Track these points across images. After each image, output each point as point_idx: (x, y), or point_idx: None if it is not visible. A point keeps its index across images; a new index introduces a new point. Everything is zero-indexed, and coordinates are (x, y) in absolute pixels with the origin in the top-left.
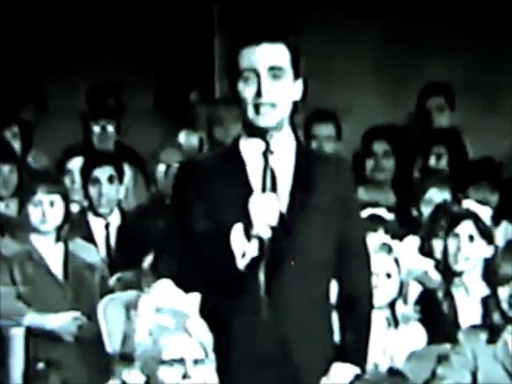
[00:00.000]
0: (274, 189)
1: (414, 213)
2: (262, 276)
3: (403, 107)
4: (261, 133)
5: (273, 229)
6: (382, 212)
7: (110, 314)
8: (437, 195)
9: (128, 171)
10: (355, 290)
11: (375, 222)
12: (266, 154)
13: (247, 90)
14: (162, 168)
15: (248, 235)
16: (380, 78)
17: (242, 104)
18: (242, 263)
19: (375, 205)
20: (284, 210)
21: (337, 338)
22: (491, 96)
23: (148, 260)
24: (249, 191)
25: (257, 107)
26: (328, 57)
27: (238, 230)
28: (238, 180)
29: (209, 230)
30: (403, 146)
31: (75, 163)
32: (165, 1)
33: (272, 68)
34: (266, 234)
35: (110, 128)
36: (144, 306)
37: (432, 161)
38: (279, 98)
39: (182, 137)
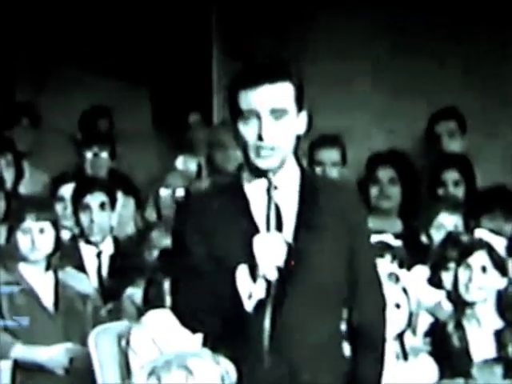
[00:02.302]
0: (279, 224)
1: (424, 239)
2: (267, 318)
3: (407, 131)
4: (263, 173)
5: (279, 269)
6: (388, 238)
7: (101, 345)
8: (448, 219)
9: (121, 198)
10: (366, 320)
11: (382, 248)
12: (270, 190)
13: (248, 131)
14: (164, 193)
15: (254, 276)
16: (382, 101)
17: (242, 143)
18: (248, 305)
19: (381, 232)
20: (290, 241)
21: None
22: (502, 120)
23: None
24: (254, 228)
25: (258, 149)
26: (328, 78)
27: (243, 270)
28: (242, 217)
29: (213, 269)
30: (410, 172)
31: (67, 190)
32: (160, 16)
33: (274, 110)
34: (273, 275)
35: (104, 154)
36: (138, 339)
37: (445, 188)
38: (281, 140)
39: (180, 162)
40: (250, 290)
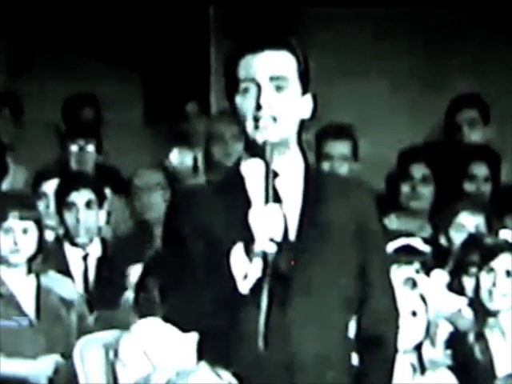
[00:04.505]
0: (277, 199)
1: (443, 241)
2: (264, 299)
3: (424, 122)
4: (262, 151)
5: (278, 245)
6: (417, 243)
7: (88, 356)
8: (469, 220)
9: (110, 196)
10: (376, 329)
11: (410, 253)
12: (268, 165)
13: (246, 103)
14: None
15: (249, 254)
16: (398, 92)
17: (240, 120)
18: (244, 286)
19: (410, 235)
20: (292, 240)
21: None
22: None
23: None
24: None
25: (256, 121)
26: (342, 69)
27: (238, 249)
28: (239, 208)
29: (209, 262)
30: (444, 169)
31: (50, 186)
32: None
33: (274, 78)
34: (271, 248)
35: (90, 148)
36: (127, 350)
37: (473, 184)
38: (282, 112)
39: (175, 156)
40: (246, 270)
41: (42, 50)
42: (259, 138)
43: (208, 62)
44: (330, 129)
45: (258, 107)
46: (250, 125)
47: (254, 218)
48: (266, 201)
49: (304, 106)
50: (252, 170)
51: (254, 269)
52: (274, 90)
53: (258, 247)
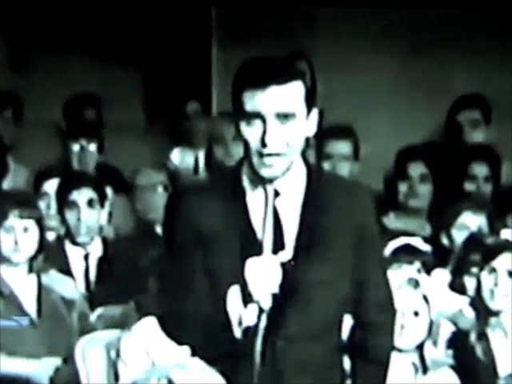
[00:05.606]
0: (279, 239)
1: (444, 240)
2: (258, 347)
3: (424, 122)
4: (264, 181)
5: (274, 295)
6: (417, 242)
7: (89, 355)
8: (471, 219)
9: (111, 195)
10: (371, 335)
11: (410, 253)
12: (267, 203)
13: (251, 133)
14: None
15: (245, 300)
16: (399, 92)
17: (244, 142)
18: (238, 331)
19: (410, 234)
20: (291, 251)
21: None
22: None
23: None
24: (252, 238)
25: (261, 157)
26: (342, 69)
27: (234, 293)
28: (239, 224)
29: (204, 279)
30: (443, 168)
31: (51, 185)
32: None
33: (280, 114)
34: (266, 303)
35: (92, 147)
36: (129, 349)
37: (473, 184)
38: (287, 145)
39: (176, 155)
40: (240, 315)
41: (42, 50)
42: (264, 173)
43: (209, 61)
44: (332, 130)
45: (263, 145)
46: (254, 157)
47: (251, 272)
48: (264, 220)
49: (310, 125)
50: (253, 188)
51: (249, 315)
52: (280, 123)
53: (253, 297)
